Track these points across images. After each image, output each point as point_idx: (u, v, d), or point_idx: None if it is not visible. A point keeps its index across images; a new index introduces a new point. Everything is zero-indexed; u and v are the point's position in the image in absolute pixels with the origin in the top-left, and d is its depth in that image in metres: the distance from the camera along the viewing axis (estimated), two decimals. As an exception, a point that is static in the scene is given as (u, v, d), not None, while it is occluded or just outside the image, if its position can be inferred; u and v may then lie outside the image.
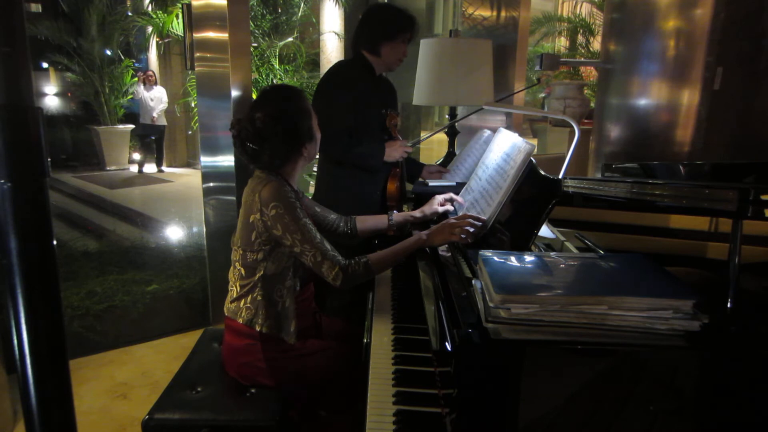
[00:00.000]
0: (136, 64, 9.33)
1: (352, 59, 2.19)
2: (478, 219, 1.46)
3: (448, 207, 1.78)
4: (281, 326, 1.54)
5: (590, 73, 6.62)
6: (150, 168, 8.83)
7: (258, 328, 1.52)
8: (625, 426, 0.86)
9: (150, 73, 8.60)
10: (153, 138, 8.66)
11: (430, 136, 2.23)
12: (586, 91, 5.50)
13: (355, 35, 2.17)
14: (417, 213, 1.80)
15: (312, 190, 2.43)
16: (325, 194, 2.21)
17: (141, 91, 8.37)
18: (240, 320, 1.54)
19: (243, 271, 1.54)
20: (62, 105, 10.03)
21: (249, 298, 1.54)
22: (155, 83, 8.51)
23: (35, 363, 0.78)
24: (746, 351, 0.88)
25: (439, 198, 1.79)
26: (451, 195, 1.82)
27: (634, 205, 1.23)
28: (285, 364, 1.56)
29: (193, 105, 6.10)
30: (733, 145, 2.36)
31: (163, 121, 8.62)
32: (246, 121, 1.49)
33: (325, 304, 1.98)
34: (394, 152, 2.09)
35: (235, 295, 1.57)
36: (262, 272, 1.52)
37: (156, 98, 8.40)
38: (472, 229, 1.44)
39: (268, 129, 1.47)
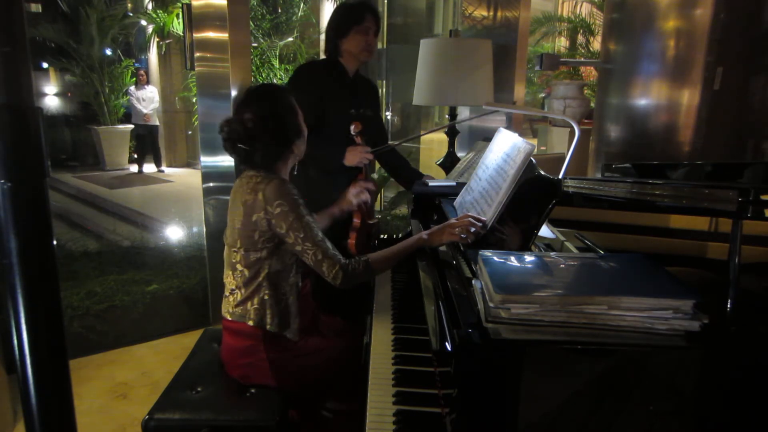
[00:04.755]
0: (136, 64, 9.31)
1: (319, 60, 2.24)
2: (478, 219, 1.46)
3: (363, 197, 1.84)
4: (287, 324, 1.55)
5: (590, 73, 6.62)
6: (150, 168, 8.82)
7: (268, 327, 1.53)
8: (625, 426, 0.86)
9: (141, 72, 8.46)
10: (148, 137, 8.58)
11: (401, 143, 2.17)
12: (586, 91, 5.50)
13: None
14: (335, 210, 1.85)
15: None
16: None
17: (132, 90, 8.29)
18: (250, 323, 1.53)
19: (246, 272, 1.53)
20: (62, 105, 10.02)
21: (256, 300, 1.53)
22: (147, 83, 8.40)
23: (35, 363, 0.78)
24: (746, 351, 0.88)
25: (353, 190, 1.83)
26: (362, 184, 1.90)
27: (634, 205, 1.23)
28: (287, 363, 1.56)
29: (193, 100, 6.09)
30: (733, 146, 2.36)
31: (156, 121, 8.51)
32: (235, 122, 1.49)
33: (323, 301, 1.98)
34: (352, 157, 2.06)
35: (240, 298, 1.55)
36: (266, 271, 1.52)
37: (148, 98, 8.29)
38: (472, 229, 1.44)
39: (258, 129, 1.48)
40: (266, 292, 1.53)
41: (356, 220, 2.09)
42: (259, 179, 1.50)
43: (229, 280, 1.58)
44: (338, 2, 5.85)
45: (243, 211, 1.50)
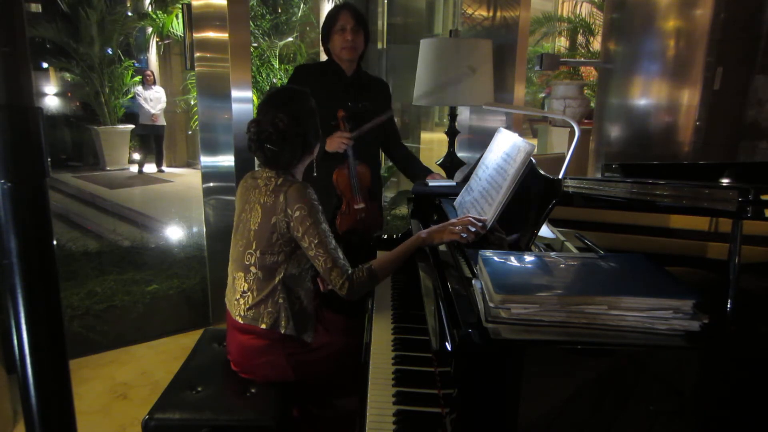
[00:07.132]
0: (137, 64, 9.32)
1: (319, 61, 2.34)
2: (479, 219, 1.46)
3: None
4: (303, 327, 1.55)
5: (590, 73, 6.62)
6: (150, 168, 8.83)
7: (282, 331, 1.52)
8: (625, 426, 0.86)
9: (148, 72, 8.56)
10: (153, 137, 8.64)
11: (372, 125, 2.15)
12: (586, 91, 5.50)
13: None
14: None
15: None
16: None
17: (140, 91, 8.37)
18: (263, 326, 1.52)
19: (261, 274, 1.52)
20: (62, 105, 10.02)
21: (269, 303, 1.52)
22: (154, 83, 8.50)
23: (35, 363, 0.78)
24: (746, 351, 0.88)
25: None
26: None
27: (634, 205, 1.23)
28: (304, 359, 1.57)
29: (193, 102, 6.09)
30: (733, 146, 2.36)
31: (163, 121, 8.60)
32: (267, 123, 1.49)
33: (326, 299, 1.98)
34: (331, 142, 2.11)
35: (252, 302, 1.53)
36: (282, 274, 1.52)
37: (155, 98, 8.39)
38: (473, 229, 1.44)
39: (290, 130, 1.49)
40: (281, 296, 1.52)
41: (342, 205, 2.20)
42: (280, 182, 1.50)
43: (241, 282, 1.56)
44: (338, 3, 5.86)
45: (261, 213, 1.50)
